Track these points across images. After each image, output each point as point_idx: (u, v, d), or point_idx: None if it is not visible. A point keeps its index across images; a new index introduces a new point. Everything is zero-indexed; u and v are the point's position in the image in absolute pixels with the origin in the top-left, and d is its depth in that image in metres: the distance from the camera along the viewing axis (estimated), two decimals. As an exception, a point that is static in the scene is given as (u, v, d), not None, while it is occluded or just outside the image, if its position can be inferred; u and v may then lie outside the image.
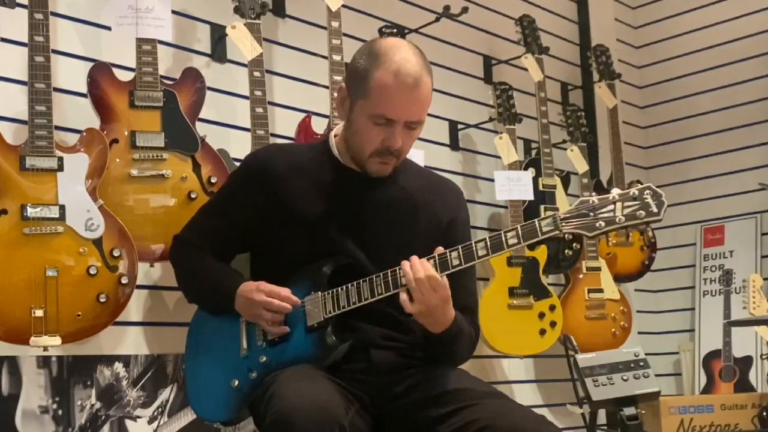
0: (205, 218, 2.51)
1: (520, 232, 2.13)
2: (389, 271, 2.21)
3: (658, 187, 2.11)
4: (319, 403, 1.99)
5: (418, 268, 2.15)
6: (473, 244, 2.17)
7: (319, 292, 2.28)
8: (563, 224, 2.10)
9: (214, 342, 2.44)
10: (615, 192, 2.11)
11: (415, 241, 2.35)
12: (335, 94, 2.53)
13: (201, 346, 2.49)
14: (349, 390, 2.19)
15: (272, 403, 2.03)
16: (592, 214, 2.10)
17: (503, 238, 2.14)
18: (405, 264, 2.17)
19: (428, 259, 2.18)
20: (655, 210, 2.07)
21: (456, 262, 2.17)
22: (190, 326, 2.54)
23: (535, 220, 2.13)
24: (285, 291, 2.29)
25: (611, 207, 2.09)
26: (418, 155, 2.69)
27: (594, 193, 2.21)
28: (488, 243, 2.16)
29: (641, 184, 4.54)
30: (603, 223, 2.09)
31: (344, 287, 2.25)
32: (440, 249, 2.19)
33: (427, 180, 2.49)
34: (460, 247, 2.18)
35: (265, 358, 2.32)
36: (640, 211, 2.07)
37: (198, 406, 2.49)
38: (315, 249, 2.33)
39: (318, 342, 2.28)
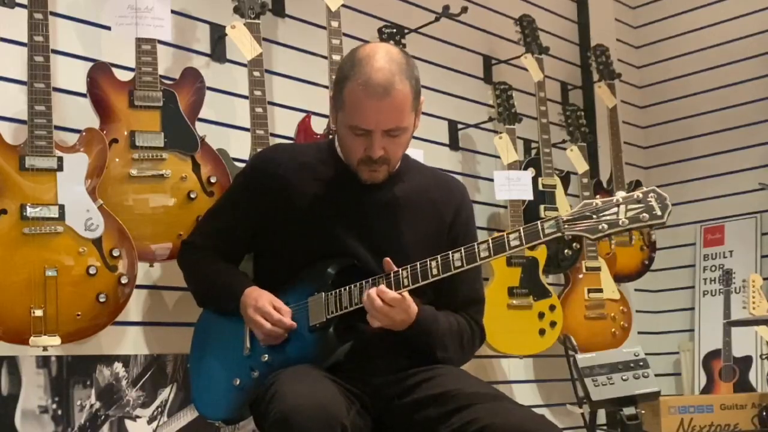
0: (211, 221, 2.53)
1: (522, 233, 2.14)
2: (391, 272, 2.22)
3: (658, 187, 2.11)
4: (321, 402, 2.00)
5: (374, 297, 2.18)
6: (476, 246, 2.18)
7: (323, 293, 2.29)
8: (566, 226, 2.10)
9: (218, 341, 2.45)
10: (619, 195, 2.11)
11: (420, 240, 2.36)
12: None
13: (205, 344, 2.50)
14: (350, 390, 2.20)
15: (273, 402, 2.03)
16: (595, 216, 2.10)
17: (506, 240, 2.15)
18: (364, 299, 2.21)
19: (411, 268, 2.21)
20: (659, 213, 2.06)
21: (458, 263, 2.19)
22: (196, 325, 2.55)
23: (538, 222, 2.13)
24: (278, 315, 2.29)
25: (614, 210, 2.09)
26: (417, 155, 2.69)
27: (598, 196, 2.21)
28: (490, 245, 2.16)
29: (642, 184, 4.57)
30: (606, 226, 2.09)
31: (347, 288, 2.26)
32: (390, 265, 2.22)
33: (431, 178, 2.49)
34: (462, 248, 2.19)
35: (267, 357, 2.33)
36: (644, 214, 2.07)
37: (200, 403, 2.50)
38: (320, 249, 2.34)
39: (320, 342, 2.28)
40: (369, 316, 2.21)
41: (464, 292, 2.41)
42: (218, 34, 3.17)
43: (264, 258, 2.47)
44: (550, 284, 3.93)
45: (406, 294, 2.21)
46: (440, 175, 2.55)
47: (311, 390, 2.05)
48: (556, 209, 3.94)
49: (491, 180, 3.87)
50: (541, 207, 3.94)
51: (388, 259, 2.23)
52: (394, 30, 3.53)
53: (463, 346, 2.40)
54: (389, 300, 2.18)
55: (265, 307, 2.31)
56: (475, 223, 2.54)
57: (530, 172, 3.93)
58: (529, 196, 3.85)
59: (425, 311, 2.28)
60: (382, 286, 2.20)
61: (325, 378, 2.16)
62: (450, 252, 2.20)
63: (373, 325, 2.22)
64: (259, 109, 2.94)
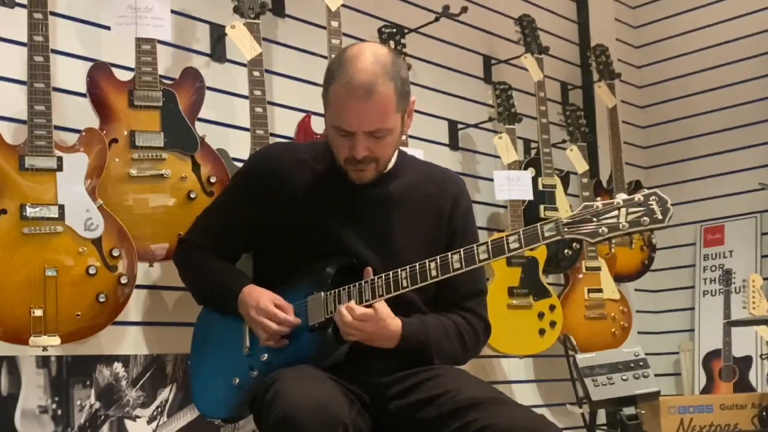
0: (209, 219, 2.52)
1: (521, 236, 2.13)
2: (390, 272, 2.23)
3: (657, 187, 2.10)
4: (323, 402, 2.00)
5: (343, 313, 2.20)
6: (475, 248, 2.18)
7: (322, 292, 2.29)
8: (566, 229, 2.10)
9: (218, 340, 2.46)
10: (620, 197, 2.10)
11: (419, 235, 2.37)
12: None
13: (205, 343, 2.50)
14: (350, 390, 2.20)
15: (275, 402, 2.03)
16: (595, 219, 2.08)
17: (505, 242, 2.15)
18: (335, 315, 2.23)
19: (410, 269, 2.21)
20: (660, 217, 2.05)
21: (457, 265, 2.19)
22: (196, 324, 2.55)
23: (538, 224, 2.13)
24: (283, 315, 2.29)
25: (615, 213, 2.07)
26: (417, 155, 2.70)
27: (599, 198, 2.21)
28: (490, 247, 2.16)
29: (642, 184, 4.54)
30: (606, 229, 2.08)
31: (346, 288, 2.26)
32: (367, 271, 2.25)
33: (428, 172, 2.50)
34: (461, 250, 2.19)
35: (266, 357, 2.33)
36: (645, 218, 2.06)
37: (200, 402, 2.51)
38: (319, 247, 2.34)
39: (319, 342, 2.28)
40: (341, 332, 2.22)
41: (465, 285, 2.40)
42: (218, 34, 3.17)
43: (263, 257, 2.47)
44: (550, 284, 3.93)
45: (379, 306, 2.21)
46: (436, 168, 2.55)
47: (313, 389, 2.05)
48: (556, 209, 3.94)
49: (491, 180, 3.87)
50: (541, 207, 3.94)
51: (369, 268, 2.25)
52: (394, 30, 3.53)
53: (465, 345, 2.40)
54: (359, 316, 2.20)
55: (268, 307, 2.30)
56: (473, 216, 2.54)
57: (530, 172, 3.93)
58: (529, 196, 3.85)
59: (411, 324, 2.28)
60: (351, 302, 2.22)
61: (326, 378, 2.16)
62: (449, 253, 2.20)
63: (346, 339, 2.23)
64: (258, 109, 2.94)
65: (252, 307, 2.32)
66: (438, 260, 2.20)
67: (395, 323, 2.24)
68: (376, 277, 2.24)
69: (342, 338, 2.26)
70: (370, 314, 2.20)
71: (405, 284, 2.21)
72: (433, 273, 2.20)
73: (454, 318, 2.39)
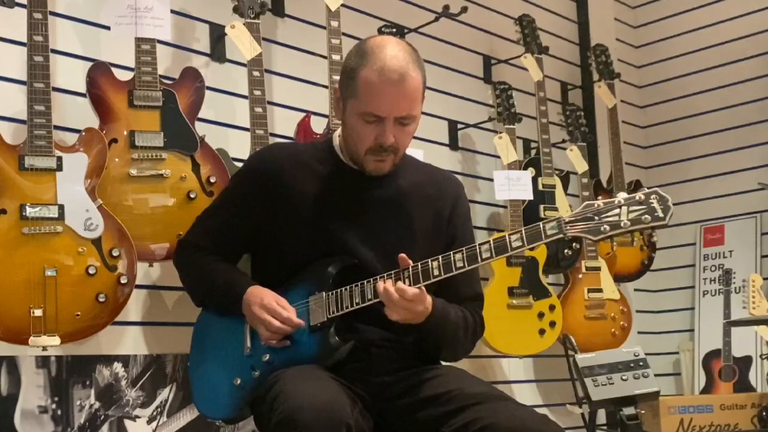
0: (209, 220, 2.52)
1: (524, 234, 2.14)
2: (393, 272, 2.22)
3: (657, 187, 2.11)
4: (326, 402, 2.00)
5: (391, 292, 2.17)
6: (477, 247, 2.18)
7: (324, 292, 2.29)
8: (568, 227, 2.10)
9: (219, 340, 2.45)
10: (621, 196, 2.11)
11: (420, 236, 2.37)
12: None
13: (206, 343, 2.49)
14: (352, 389, 2.20)
15: (278, 402, 2.03)
16: (597, 217, 2.10)
17: (507, 241, 2.15)
18: (379, 286, 2.19)
19: (412, 268, 2.20)
20: (661, 215, 2.06)
21: (460, 264, 2.19)
22: (196, 324, 2.54)
23: (540, 223, 2.13)
24: (286, 313, 2.28)
25: (617, 211, 2.09)
26: (417, 155, 2.70)
27: (600, 197, 2.21)
28: (492, 246, 2.16)
29: (641, 184, 4.53)
30: (608, 227, 2.08)
31: (348, 288, 2.26)
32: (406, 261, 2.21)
33: (428, 174, 2.50)
34: (464, 249, 2.19)
35: (268, 357, 2.33)
36: (646, 216, 2.07)
37: (201, 403, 2.50)
38: (320, 247, 2.34)
39: (321, 342, 2.28)
40: (388, 310, 2.19)
41: (465, 289, 2.42)
42: (218, 34, 3.17)
43: (262, 257, 2.47)
44: (550, 284, 3.93)
45: (422, 287, 2.21)
46: (435, 170, 2.55)
47: (316, 390, 2.05)
48: (556, 209, 3.94)
49: (491, 180, 3.87)
50: (541, 207, 3.94)
51: (403, 255, 2.22)
52: (394, 30, 3.53)
53: (468, 337, 2.41)
54: (411, 296, 2.18)
55: (272, 304, 2.29)
56: (471, 218, 2.55)
57: (530, 172, 3.93)
58: (529, 196, 3.85)
59: (437, 303, 2.27)
60: (400, 283, 2.19)
61: (328, 378, 2.16)
62: (451, 252, 2.20)
63: (392, 318, 2.20)
64: (258, 109, 2.94)
65: (256, 305, 2.31)
66: (440, 259, 2.20)
67: (429, 299, 2.24)
68: (378, 277, 2.23)
69: (344, 338, 2.27)
70: (418, 294, 2.18)
71: (408, 283, 2.20)
72: (436, 272, 2.19)
73: (461, 308, 2.39)
